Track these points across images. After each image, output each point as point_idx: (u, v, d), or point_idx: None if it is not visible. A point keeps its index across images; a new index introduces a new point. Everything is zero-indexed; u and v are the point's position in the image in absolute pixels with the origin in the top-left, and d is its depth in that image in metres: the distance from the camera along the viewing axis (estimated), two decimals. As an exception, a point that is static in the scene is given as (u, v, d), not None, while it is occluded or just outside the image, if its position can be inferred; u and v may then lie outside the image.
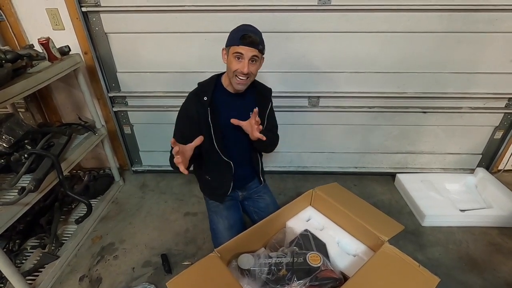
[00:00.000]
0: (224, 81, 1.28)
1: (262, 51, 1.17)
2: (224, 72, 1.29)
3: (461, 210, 1.80)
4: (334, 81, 1.87)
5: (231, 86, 1.24)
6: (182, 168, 1.06)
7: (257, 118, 1.16)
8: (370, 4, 1.60)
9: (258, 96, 1.34)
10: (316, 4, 1.61)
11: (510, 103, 1.92)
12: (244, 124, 1.23)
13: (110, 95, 1.93)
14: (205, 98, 1.22)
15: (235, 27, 1.18)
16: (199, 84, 1.29)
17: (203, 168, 1.42)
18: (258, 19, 1.63)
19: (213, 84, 1.26)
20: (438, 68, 1.81)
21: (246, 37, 1.10)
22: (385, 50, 1.76)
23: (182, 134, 1.26)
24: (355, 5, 1.60)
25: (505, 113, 1.96)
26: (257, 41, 1.12)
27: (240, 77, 1.16)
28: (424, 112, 1.96)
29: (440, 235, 1.72)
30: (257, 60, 1.16)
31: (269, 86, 1.40)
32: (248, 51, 1.12)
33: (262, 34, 1.16)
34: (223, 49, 1.21)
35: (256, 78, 1.29)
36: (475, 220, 1.77)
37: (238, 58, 1.13)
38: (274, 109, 1.45)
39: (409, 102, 1.93)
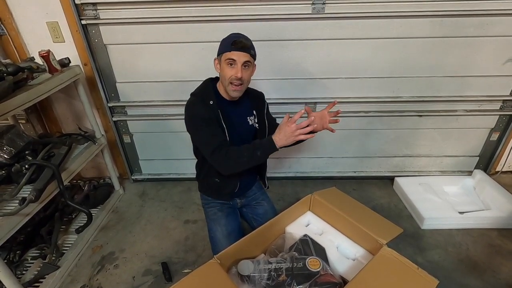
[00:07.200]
0: (220, 89, 1.29)
1: (254, 56, 1.19)
2: (217, 77, 1.31)
3: (460, 212, 1.80)
4: (329, 87, 1.90)
5: (226, 94, 1.26)
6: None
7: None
8: (363, 12, 1.63)
9: (253, 100, 1.36)
10: (310, 12, 1.65)
11: (505, 105, 1.95)
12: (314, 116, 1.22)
13: (109, 105, 1.96)
14: (211, 102, 1.22)
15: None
16: (194, 93, 1.28)
17: (211, 171, 1.35)
18: (254, 28, 1.67)
19: (211, 89, 1.27)
20: (431, 72, 1.84)
21: (237, 42, 1.13)
22: (379, 56, 1.79)
23: (213, 135, 1.20)
24: (348, 12, 1.64)
25: (500, 115, 1.98)
26: (248, 45, 1.14)
27: (235, 84, 1.18)
28: (420, 116, 1.99)
29: (440, 237, 1.72)
30: (249, 65, 1.18)
31: (265, 93, 1.44)
32: (240, 56, 1.13)
33: (258, 42, 1.19)
34: (215, 59, 1.23)
35: (253, 87, 1.31)
36: (474, 222, 1.77)
37: (231, 65, 1.15)
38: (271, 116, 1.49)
39: (404, 106, 1.95)
